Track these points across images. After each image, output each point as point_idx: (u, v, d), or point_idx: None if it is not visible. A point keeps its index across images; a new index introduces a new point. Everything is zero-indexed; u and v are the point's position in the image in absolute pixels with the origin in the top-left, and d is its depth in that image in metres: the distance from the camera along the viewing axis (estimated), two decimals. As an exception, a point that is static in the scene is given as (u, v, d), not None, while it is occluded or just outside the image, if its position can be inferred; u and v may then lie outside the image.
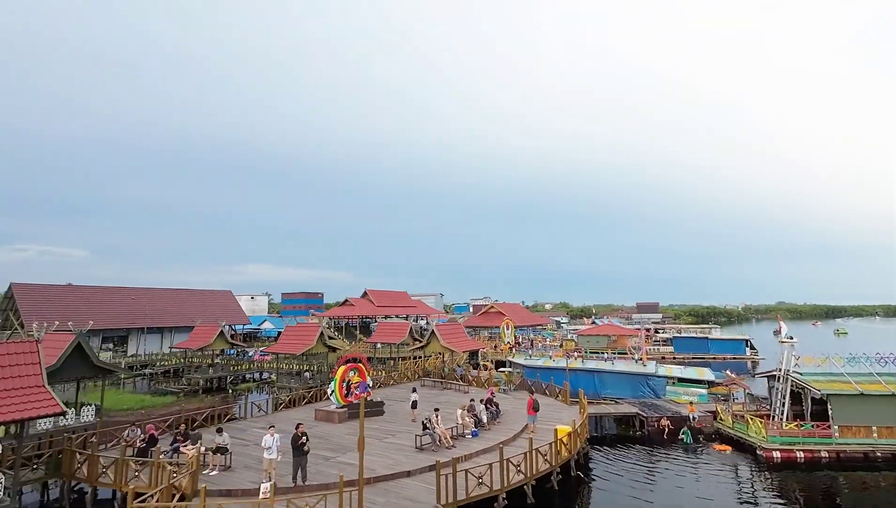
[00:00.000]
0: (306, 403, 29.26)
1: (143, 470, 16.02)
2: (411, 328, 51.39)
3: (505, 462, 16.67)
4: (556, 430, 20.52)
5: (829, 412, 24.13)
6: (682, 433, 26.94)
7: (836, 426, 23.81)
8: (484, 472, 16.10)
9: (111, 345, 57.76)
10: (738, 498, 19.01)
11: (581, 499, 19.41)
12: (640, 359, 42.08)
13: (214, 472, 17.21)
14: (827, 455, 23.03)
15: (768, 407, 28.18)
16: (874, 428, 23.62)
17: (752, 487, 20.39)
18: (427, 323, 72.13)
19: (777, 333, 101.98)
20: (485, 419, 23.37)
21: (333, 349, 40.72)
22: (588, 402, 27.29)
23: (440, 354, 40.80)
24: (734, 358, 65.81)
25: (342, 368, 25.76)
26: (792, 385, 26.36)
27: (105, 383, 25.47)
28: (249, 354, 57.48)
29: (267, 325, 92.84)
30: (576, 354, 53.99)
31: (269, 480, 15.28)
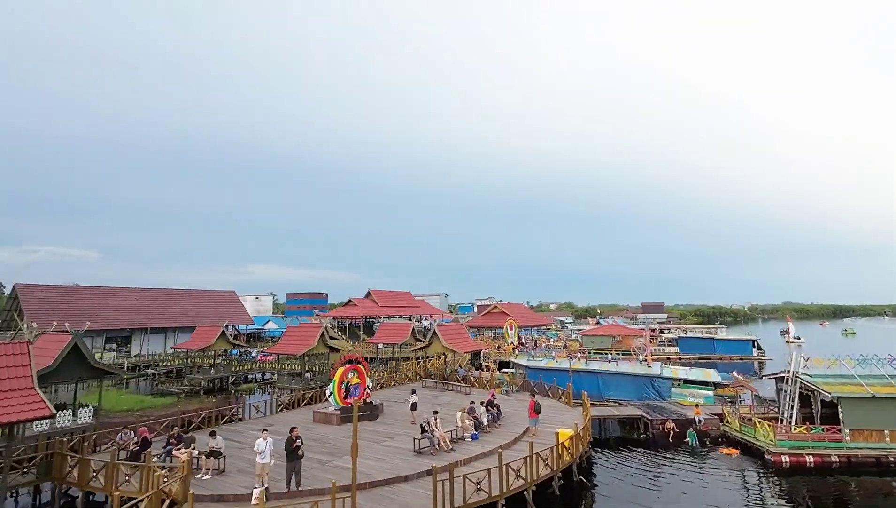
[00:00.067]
0: (306, 404, 28.99)
1: (134, 475, 15.71)
2: (414, 329, 51.05)
3: (504, 467, 16.23)
4: (557, 434, 20.03)
5: (840, 415, 23.49)
6: (688, 436, 26.42)
7: (847, 430, 23.18)
8: (482, 477, 15.65)
9: (115, 345, 57.71)
10: (746, 504, 18.44)
11: (583, 505, 18.93)
12: (645, 360, 41.48)
13: (207, 476, 16.84)
14: (837, 460, 22.41)
15: (776, 410, 27.55)
16: (887, 432, 23.00)
17: (761, 492, 19.83)
18: (430, 323, 71.73)
19: (785, 333, 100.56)
20: (485, 422, 22.93)
21: (335, 350, 40.41)
22: (591, 404, 26.81)
23: (442, 355, 40.40)
24: (741, 359, 64.78)
25: (341, 369, 25.39)
26: (801, 388, 25.72)
27: (102, 384, 25.23)
28: (252, 354, 57.34)
29: (271, 325, 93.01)
30: (579, 355, 53.42)
31: (262, 485, 14.92)
